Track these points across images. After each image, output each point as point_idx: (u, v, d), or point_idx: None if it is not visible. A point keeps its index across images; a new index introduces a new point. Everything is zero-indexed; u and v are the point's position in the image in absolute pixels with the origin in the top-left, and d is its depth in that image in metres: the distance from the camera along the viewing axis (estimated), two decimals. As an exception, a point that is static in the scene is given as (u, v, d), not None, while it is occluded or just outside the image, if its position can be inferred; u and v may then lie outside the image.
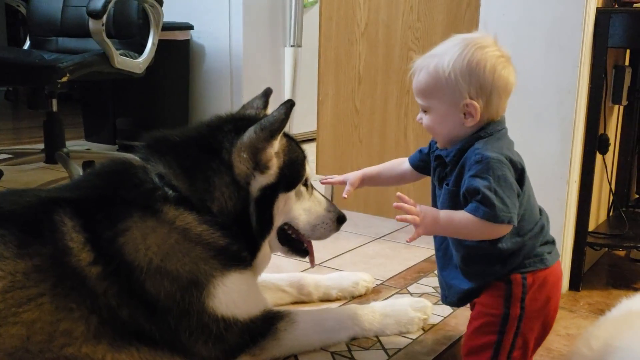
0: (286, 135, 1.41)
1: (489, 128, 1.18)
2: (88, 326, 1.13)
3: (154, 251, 1.18)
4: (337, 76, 2.54)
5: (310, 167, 1.49)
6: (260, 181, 1.33)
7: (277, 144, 1.34)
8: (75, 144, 3.61)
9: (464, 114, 1.16)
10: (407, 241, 1.19)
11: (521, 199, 1.16)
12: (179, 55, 3.76)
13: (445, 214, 1.17)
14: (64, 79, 2.38)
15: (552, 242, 1.26)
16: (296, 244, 1.49)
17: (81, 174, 2.61)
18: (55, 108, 2.73)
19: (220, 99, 3.90)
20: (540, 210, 1.27)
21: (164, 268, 1.18)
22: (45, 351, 1.09)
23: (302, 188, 1.44)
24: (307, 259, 1.52)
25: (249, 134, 1.32)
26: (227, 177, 1.31)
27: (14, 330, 1.07)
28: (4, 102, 5.86)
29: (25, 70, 2.46)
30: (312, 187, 1.51)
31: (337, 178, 1.49)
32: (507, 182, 1.12)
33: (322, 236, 1.49)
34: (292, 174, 1.39)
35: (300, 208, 1.44)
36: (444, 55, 1.17)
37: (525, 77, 1.97)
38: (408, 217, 1.14)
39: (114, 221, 1.19)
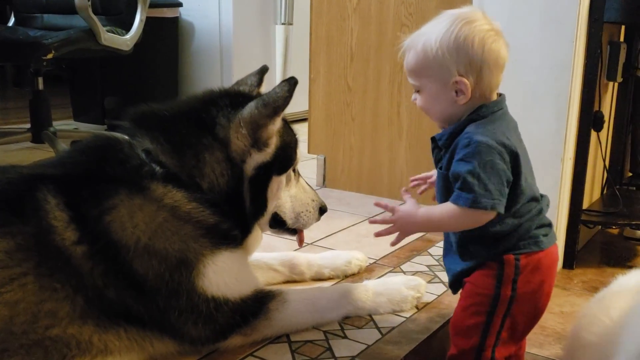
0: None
1: (483, 110, 1.15)
2: (73, 307, 1.10)
3: (141, 229, 1.15)
4: (329, 53, 2.50)
5: (300, 152, 1.48)
6: (256, 159, 1.31)
7: (279, 122, 1.32)
8: (63, 124, 3.56)
9: (456, 91, 1.14)
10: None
11: (517, 183, 1.14)
12: (167, 33, 3.71)
13: (424, 211, 1.18)
14: (49, 56, 2.33)
15: (549, 225, 1.23)
16: (285, 225, 1.47)
17: (68, 153, 2.58)
18: (41, 86, 2.68)
19: (210, 77, 3.85)
20: (541, 195, 1.24)
21: (152, 247, 1.15)
22: (30, 332, 1.06)
23: (291, 173, 1.43)
24: (295, 237, 1.52)
25: (250, 109, 1.29)
26: (219, 154, 1.28)
27: (-3, 311, 1.04)
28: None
29: (10, 47, 2.41)
30: (299, 174, 1.49)
31: (424, 183, 1.44)
32: (493, 168, 1.10)
33: (304, 225, 1.49)
34: (286, 157, 1.38)
35: (287, 194, 1.43)
36: (432, 33, 1.15)
37: (520, 52, 1.95)
38: (382, 230, 1.21)
39: (99, 199, 1.16)
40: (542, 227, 1.20)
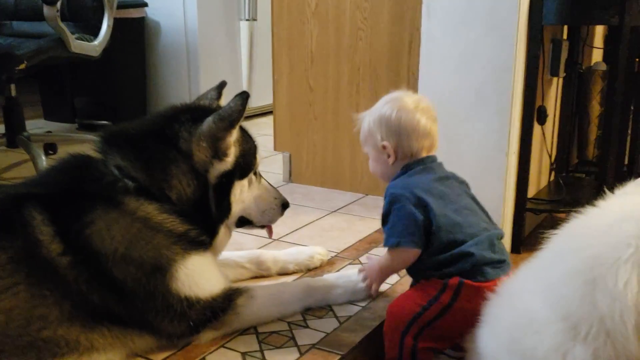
0: (240, 126, 1.50)
1: (403, 169, 1.45)
2: (62, 310, 1.22)
3: (118, 240, 1.27)
4: (291, 56, 2.62)
5: (260, 156, 1.60)
6: (218, 168, 1.42)
7: (235, 133, 1.44)
8: (35, 125, 3.62)
9: (387, 155, 1.45)
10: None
11: (434, 222, 1.35)
12: (134, 33, 3.77)
13: (379, 260, 1.51)
14: (22, 66, 2.41)
15: (500, 261, 1.39)
16: (252, 224, 1.61)
17: (42, 156, 2.67)
18: (14, 93, 2.75)
19: (178, 75, 3.93)
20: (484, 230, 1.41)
21: (129, 256, 1.27)
22: (24, 335, 1.18)
23: (252, 177, 1.55)
24: (265, 230, 1.66)
25: (208, 124, 1.40)
26: (184, 166, 1.39)
27: (-7, 318, 1.16)
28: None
29: (-18, 58, 2.47)
30: (260, 176, 1.62)
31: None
32: (401, 212, 1.35)
33: (269, 221, 1.63)
34: (246, 162, 1.50)
35: (251, 196, 1.56)
36: (368, 113, 1.51)
37: (466, 56, 2.11)
38: (373, 288, 1.55)
39: (79, 214, 1.27)
40: (490, 263, 1.36)
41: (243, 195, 1.52)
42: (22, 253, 1.22)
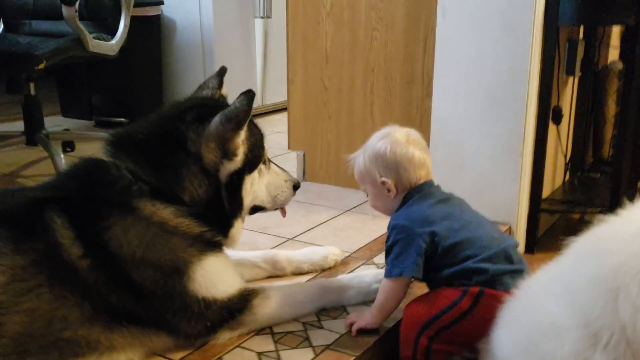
0: None
1: (407, 197, 1.48)
2: (82, 312, 1.25)
3: (135, 245, 1.30)
4: (306, 55, 2.64)
5: (267, 144, 1.59)
6: (228, 168, 1.43)
7: (243, 133, 1.43)
8: (53, 122, 3.67)
9: (387, 190, 1.48)
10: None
11: (441, 245, 1.37)
12: (150, 31, 3.81)
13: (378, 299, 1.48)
14: (41, 66, 2.44)
15: (516, 271, 1.39)
16: (263, 209, 1.62)
17: (61, 154, 2.71)
18: (33, 92, 2.79)
19: (193, 72, 3.97)
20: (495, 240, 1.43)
21: (147, 259, 1.30)
22: (46, 335, 1.21)
23: (262, 166, 1.56)
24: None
25: (215, 125, 1.39)
26: (194, 167, 1.40)
27: (17, 318, 1.19)
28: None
29: (2, 58, 2.51)
30: (269, 161, 1.62)
31: None
32: (402, 243, 1.39)
33: (282, 204, 1.64)
34: (255, 156, 1.50)
35: (262, 184, 1.57)
36: (361, 152, 1.53)
37: (481, 56, 2.11)
38: (355, 326, 1.47)
39: (97, 219, 1.29)
40: (508, 272, 1.38)
41: (254, 187, 1.53)
42: (44, 256, 1.24)
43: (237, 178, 1.45)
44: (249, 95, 1.39)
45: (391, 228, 1.43)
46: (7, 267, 1.21)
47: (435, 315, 1.37)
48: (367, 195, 1.55)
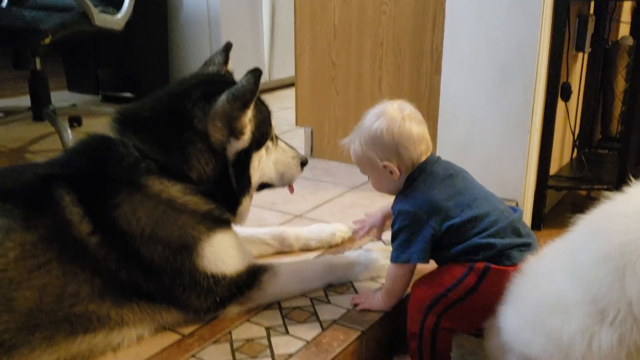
0: None
1: (409, 179, 1.43)
2: (92, 287, 1.26)
3: (144, 222, 1.30)
4: (313, 30, 2.61)
5: (275, 121, 1.58)
6: (235, 146, 1.42)
7: (250, 112, 1.42)
8: (60, 97, 3.67)
9: (389, 172, 1.42)
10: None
11: (450, 227, 1.36)
12: (156, 4, 3.78)
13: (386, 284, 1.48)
14: (47, 41, 2.43)
15: (524, 245, 1.39)
16: (271, 186, 1.61)
17: (68, 129, 2.71)
18: (39, 66, 2.78)
19: (200, 47, 3.94)
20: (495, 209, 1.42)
21: (156, 236, 1.31)
22: (57, 310, 1.23)
23: (269, 143, 1.55)
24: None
25: (222, 104, 1.37)
26: (201, 145, 1.39)
27: (28, 294, 1.20)
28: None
29: (8, 33, 2.50)
30: (277, 138, 1.61)
31: (364, 229, 1.68)
32: (409, 230, 1.37)
33: (289, 181, 1.63)
34: (262, 133, 1.49)
35: (270, 161, 1.56)
36: (356, 135, 1.45)
37: (491, 31, 2.09)
38: (360, 305, 1.48)
39: (105, 196, 1.30)
40: (517, 246, 1.37)
41: (262, 165, 1.52)
42: (53, 232, 1.25)
43: (245, 156, 1.45)
44: (255, 73, 1.37)
45: (397, 213, 1.40)
46: (18, 243, 1.22)
47: (441, 293, 1.38)
48: (369, 179, 1.51)
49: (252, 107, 1.41)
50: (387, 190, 1.49)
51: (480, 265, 1.35)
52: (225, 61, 1.56)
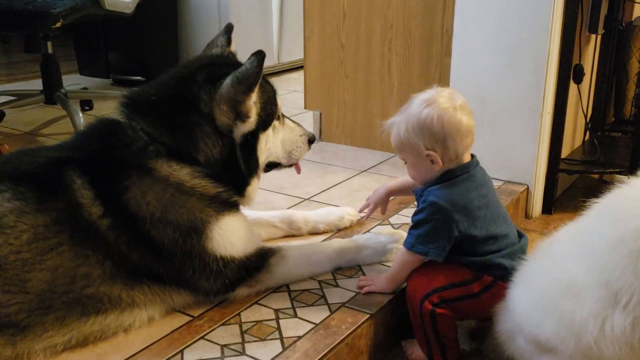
0: None
1: (447, 175, 1.40)
2: (104, 269, 1.28)
3: (154, 205, 1.32)
4: (322, 12, 2.60)
5: (280, 100, 1.57)
6: (241, 129, 1.43)
7: (255, 95, 1.42)
8: (71, 81, 3.69)
9: (430, 161, 1.38)
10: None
11: (472, 236, 1.36)
12: (166, -12, 3.78)
13: (389, 270, 1.49)
14: (58, 25, 2.44)
15: None
16: (278, 165, 1.62)
17: (79, 113, 2.73)
18: (50, 50, 2.80)
19: (209, 30, 3.93)
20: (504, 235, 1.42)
21: (165, 219, 1.32)
22: (69, 292, 1.25)
23: (276, 122, 1.55)
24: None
25: (226, 87, 1.38)
26: (208, 128, 1.40)
27: (41, 275, 1.22)
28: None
29: (19, 17, 2.51)
30: (283, 116, 1.60)
31: (370, 207, 1.67)
32: (437, 224, 1.35)
33: (297, 159, 1.63)
34: (268, 115, 1.49)
35: (277, 140, 1.56)
36: (402, 118, 1.41)
37: (502, 13, 2.07)
38: (365, 288, 1.48)
39: (115, 181, 1.31)
40: None
41: (269, 144, 1.53)
42: (65, 215, 1.27)
43: (252, 137, 1.45)
44: (259, 56, 1.37)
45: (428, 204, 1.36)
46: (30, 225, 1.24)
47: (443, 285, 1.38)
48: (405, 164, 1.47)
49: (256, 90, 1.42)
50: (421, 179, 1.45)
51: (488, 279, 1.38)
52: (228, 43, 1.56)
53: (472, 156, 1.44)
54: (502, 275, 1.37)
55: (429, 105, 1.37)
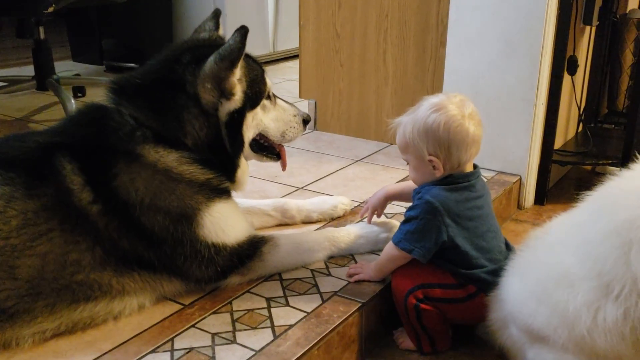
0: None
1: (449, 179, 1.39)
2: (94, 256, 1.27)
3: (143, 192, 1.31)
4: (318, 0, 2.58)
5: (269, 80, 1.56)
6: (227, 107, 1.42)
7: (238, 72, 1.41)
8: (64, 67, 3.66)
9: (432, 166, 1.38)
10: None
11: (460, 245, 1.36)
12: (161, -26, 3.74)
13: (377, 258, 1.49)
14: (50, 9, 2.41)
15: None
16: (269, 149, 1.61)
17: (72, 99, 2.71)
18: (42, 36, 2.77)
19: (204, 15, 3.85)
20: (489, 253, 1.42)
21: (155, 205, 1.31)
22: (59, 278, 1.24)
23: (265, 102, 1.54)
24: (279, 163, 1.64)
25: (210, 65, 1.37)
26: (194, 110, 1.39)
27: (30, 262, 1.21)
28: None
29: (11, 1, 2.48)
30: (275, 97, 1.59)
31: (369, 212, 1.66)
32: (427, 225, 1.34)
33: (291, 139, 1.61)
34: (255, 93, 1.48)
35: (269, 118, 1.55)
36: (409, 119, 1.40)
37: (496, 5, 2.07)
38: (355, 277, 1.48)
39: (104, 167, 1.30)
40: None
41: (255, 121, 1.51)
42: (55, 201, 1.26)
43: (238, 115, 1.44)
44: (242, 31, 1.36)
45: (424, 201, 1.35)
46: (20, 211, 1.23)
47: (429, 282, 1.39)
48: (407, 164, 1.46)
49: (239, 66, 1.40)
50: (419, 181, 1.44)
51: (472, 288, 1.39)
52: (216, 27, 1.56)
53: (475, 166, 1.44)
54: (486, 289, 1.37)
55: (437, 111, 1.36)
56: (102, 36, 3.95)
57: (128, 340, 1.27)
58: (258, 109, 1.50)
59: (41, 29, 2.76)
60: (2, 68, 4.05)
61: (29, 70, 3.11)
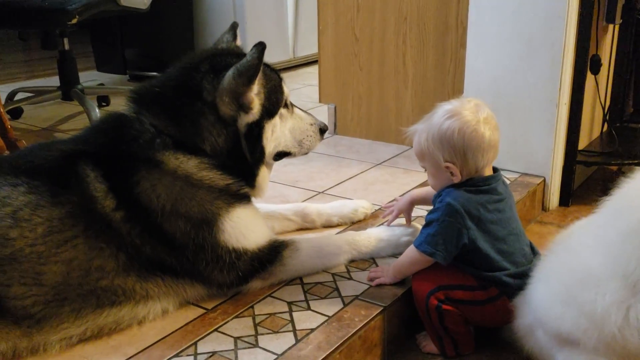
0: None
1: (470, 183, 1.38)
2: (117, 262, 1.29)
3: (164, 198, 1.32)
4: (336, 5, 2.59)
5: (287, 88, 1.56)
6: (245, 119, 1.43)
7: (256, 87, 1.42)
8: (88, 77, 3.72)
9: (450, 173, 1.38)
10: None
11: (481, 248, 1.35)
12: (181, -16, 3.79)
13: (397, 260, 1.48)
14: (74, 21, 2.46)
15: None
16: (289, 154, 1.60)
17: (96, 109, 2.75)
18: (67, 47, 2.82)
19: (224, 25, 3.88)
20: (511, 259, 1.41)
21: (176, 211, 1.33)
22: (84, 284, 1.26)
23: (283, 111, 1.54)
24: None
25: (228, 80, 1.39)
26: (211, 117, 1.40)
27: (56, 268, 1.24)
28: (16, 39, 5.88)
29: (35, 14, 2.54)
30: (292, 105, 1.60)
31: (393, 214, 1.67)
32: (448, 227, 1.33)
33: (309, 149, 1.62)
34: (272, 103, 1.48)
35: (286, 129, 1.55)
36: (424, 127, 1.40)
37: (517, 3, 2.05)
38: (376, 280, 1.48)
39: (126, 174, 1.32)
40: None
41: (276, 133, 1.52)
42: (79, 208, 1.28)
43: (257, 127, 1.45)
44: (259, 47, 1.38)
45: (445, 204, 1.34)
46: (45, 218, 1.25)
47: (450, 284, 1.38)
48: (425, 171, 1.46)
49: (257, 82, 1.42)
50: (438, 187, 1.43)
51: (494, 291, 1.38)
52: (234, 38, 1.58)
53: (495, 169, 1.43)
54: (508, 293, 1.36)
55: (451, 117, 1.35)
56: (125, 46, 4.00)
57: (152, 344, 1.28)
58: (276, 119, 1.51)
59: (65, 40, 2.81)
60: (29, 79, 4.14)
61: (54, 81, 3.17)
